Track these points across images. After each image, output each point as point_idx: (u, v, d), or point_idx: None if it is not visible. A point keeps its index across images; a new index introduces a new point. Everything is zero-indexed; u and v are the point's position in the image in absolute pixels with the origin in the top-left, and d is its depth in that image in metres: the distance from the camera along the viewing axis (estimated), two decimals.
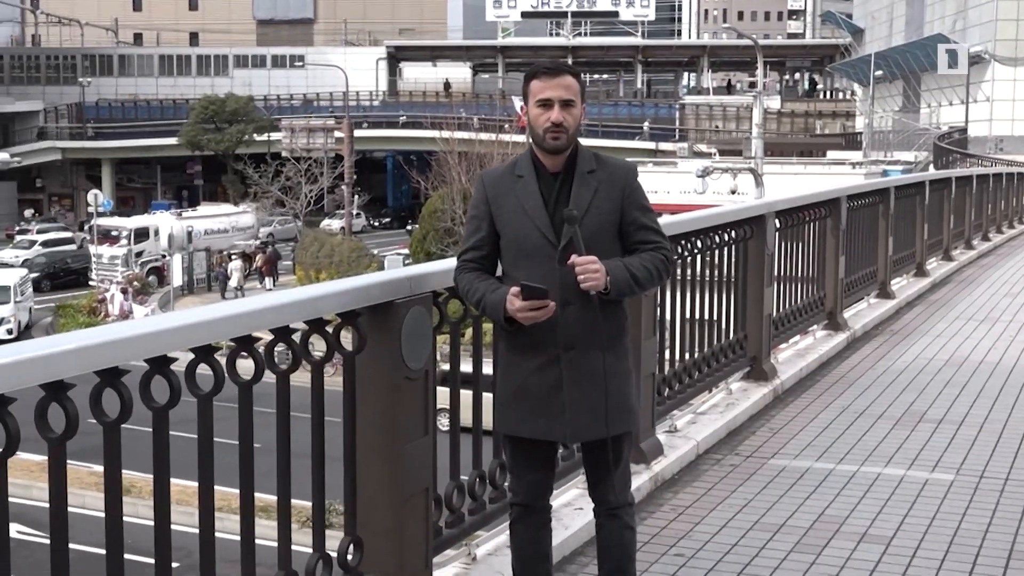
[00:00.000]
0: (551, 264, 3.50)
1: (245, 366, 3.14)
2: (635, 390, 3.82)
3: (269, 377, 3.25)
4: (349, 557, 3.66)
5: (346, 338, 3.60)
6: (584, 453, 3.82)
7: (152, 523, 2.98)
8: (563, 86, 3.56)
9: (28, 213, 71.47)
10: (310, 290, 3.50)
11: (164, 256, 48.30)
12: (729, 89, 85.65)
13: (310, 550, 3.53)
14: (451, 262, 4.25)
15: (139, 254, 49.15)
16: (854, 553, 4.79)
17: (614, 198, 3.58)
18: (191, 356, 3.00)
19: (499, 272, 3.68)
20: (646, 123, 70.46)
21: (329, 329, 3.51)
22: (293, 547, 3.42)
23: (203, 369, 3.00)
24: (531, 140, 3.64)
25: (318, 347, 3.47)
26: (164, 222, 51.57)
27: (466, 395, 4.23)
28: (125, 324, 2.95)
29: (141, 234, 50.48)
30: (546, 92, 3.56)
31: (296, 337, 3.39)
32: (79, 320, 38.85)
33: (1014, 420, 7.02)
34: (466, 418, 4.25)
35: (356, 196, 62.54)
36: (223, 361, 3.05)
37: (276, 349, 3.32)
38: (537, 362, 3.56)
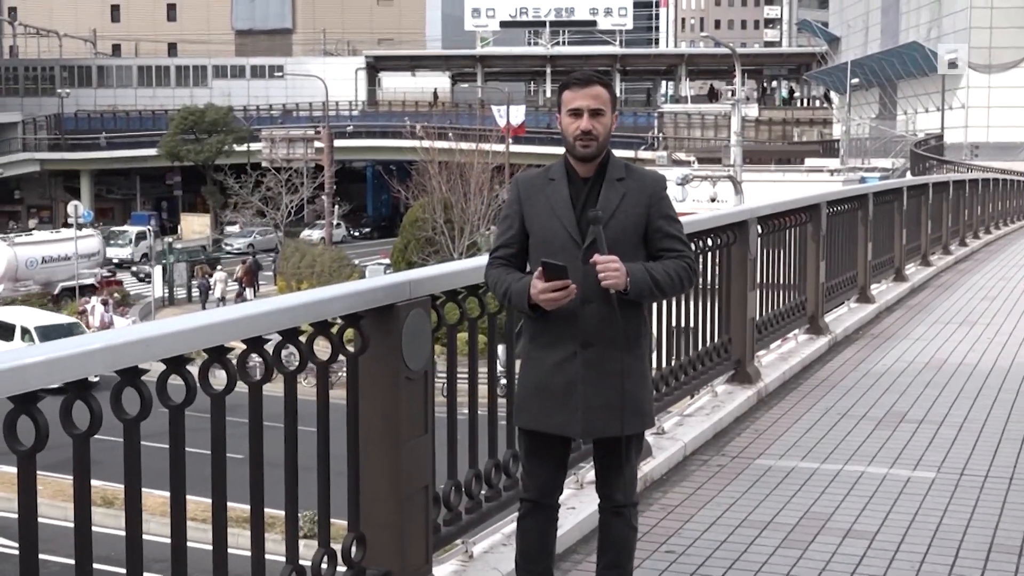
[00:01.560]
0: (575, 262, 3.62)
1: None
2: (650, 392, 3.94)
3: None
4: (353, 553, 3.77)
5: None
6: (595, 450, 3.92)
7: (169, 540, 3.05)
8: (592, 96, 3.70)
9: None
10: (316, 293, 3.63)
11: None
12: (712, 97, 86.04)
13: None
14: (447, 266, 4.39)
15: None
16: (839, 549, 4.93)
17: (640, 205, 3.72)
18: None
19: (528, 270, 3.81)
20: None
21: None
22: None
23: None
24: (564, 147, 3.77)
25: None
26: None
27: None
28: (146, 325, 3.06)
29: None
30: (576, 102, 3.70)
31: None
32: None
33: (992, 420, 7.19)
34: None
35: (336, 206, 62.55)
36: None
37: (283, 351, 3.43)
38: (556, 358, 3.69)
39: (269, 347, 3.34)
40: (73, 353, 2.65)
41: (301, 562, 3.50)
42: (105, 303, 41.44)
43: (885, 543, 4.99)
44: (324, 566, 3.61)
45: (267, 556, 3.38)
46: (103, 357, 2.73)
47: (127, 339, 2.83)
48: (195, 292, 47.87)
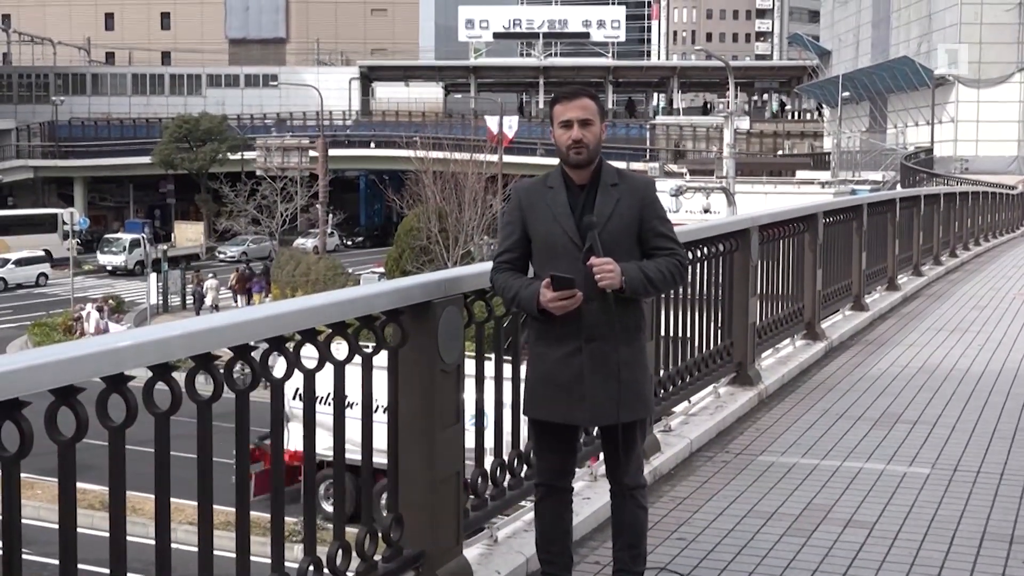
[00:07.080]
0: (576, 264, 3.92)
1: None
2: (649, 382, 4.22)
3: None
4: (392, 532, 4.03)
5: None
6: (602, 438, 4.22)
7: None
8: (581, 107, 4.02)
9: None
10: (364, 290, 3.91)
11: None
12: (705, 110, 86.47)
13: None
14: (478, 267, 4.67)
15: None
16: (841, 537, 5.21)
17: (634, 207, 4.01)
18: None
19: (531, 273, 4.10)
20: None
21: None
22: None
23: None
24: (559, 157, 4.07)
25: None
26: None
27: None
28: (215, 316, 3.33)
29: None
30: (566, 114, 4.01)
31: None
32: (55, 338, 38.81)
33: (983, 421, 7.49)
34: None
35: (330, 215, 62.74)
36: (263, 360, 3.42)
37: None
38: (562, 352, 3.98)
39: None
40: (157, 339, 2.92)
41: (346, 539, 3.77)
42: (100, 310, 41.59)
43: (884, 532, 5.26)
44: (367, 543, 3.88)
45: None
46: (182, 343, 3.01)
47: (201, 327, 3.11)
48: (189, 300, 48.01)
